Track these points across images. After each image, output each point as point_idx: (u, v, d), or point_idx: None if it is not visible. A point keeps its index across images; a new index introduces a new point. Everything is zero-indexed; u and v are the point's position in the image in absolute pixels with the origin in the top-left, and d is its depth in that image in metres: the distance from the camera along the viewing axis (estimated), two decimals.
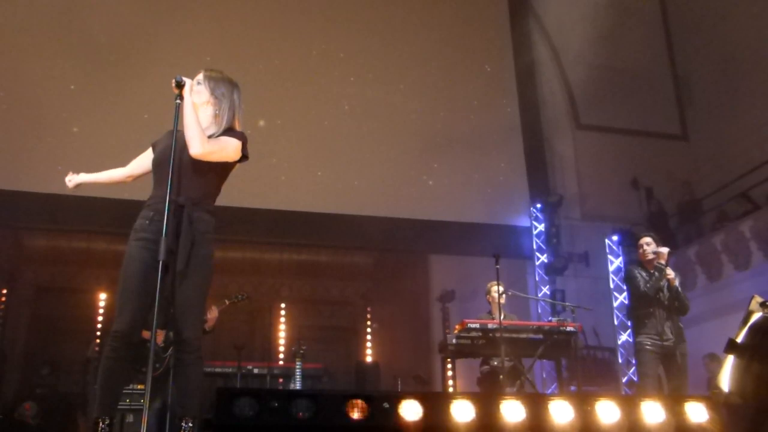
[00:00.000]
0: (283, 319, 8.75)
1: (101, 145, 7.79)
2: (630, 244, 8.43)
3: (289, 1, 9.54)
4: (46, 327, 8.67)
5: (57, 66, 8.54)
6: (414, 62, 9.60)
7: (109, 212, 7.68)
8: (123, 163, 3.83)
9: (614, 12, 10.31)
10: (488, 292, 6.79)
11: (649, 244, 5.69)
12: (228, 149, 3.53)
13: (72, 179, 3.95)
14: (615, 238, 8.92)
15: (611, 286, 8.80)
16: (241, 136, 3.61)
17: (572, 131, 10.33)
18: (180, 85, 3.48)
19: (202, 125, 3.51)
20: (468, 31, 9.95)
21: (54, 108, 8.41)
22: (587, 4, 10.19)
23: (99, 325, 7.82)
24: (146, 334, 5.32)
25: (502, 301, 6.34)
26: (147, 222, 3.41)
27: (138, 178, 3.77)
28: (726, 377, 3.40)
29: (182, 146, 3.45)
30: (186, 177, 3.46)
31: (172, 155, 3.33)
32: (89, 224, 8.26)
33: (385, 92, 9.32)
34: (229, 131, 3.60)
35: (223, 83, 3.69)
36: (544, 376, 8.46)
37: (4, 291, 8.04)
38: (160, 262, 3.17)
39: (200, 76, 3.66)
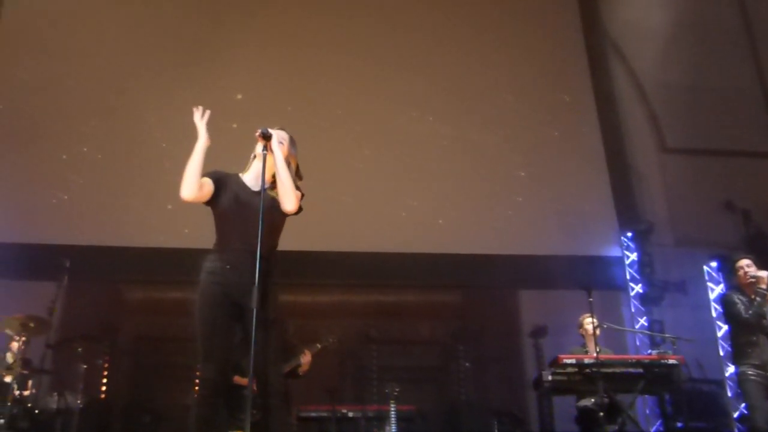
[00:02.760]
0: (373, 361, 8.74)
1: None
2: (730, 270, 8.06)
3: (363, 46, 9.72)
4: (146, 376, 8.93)
5: (148, 125, 8.98)
6: (490, 97, 9.59)
7: (200, 262, 7.92)
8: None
9: (694, 30, 10.06)
10: (580, 326, 6.62)
11: (749, 266, 5.41)
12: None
13: (198, 119, 3.87)
14: (714, 264, 8.55)
15: (713, 314, 8.41)
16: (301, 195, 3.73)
17: (658, 155, 10.03)
18: (266, 137, 3.59)
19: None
20: (543, 62, 9.87)
21: (148, 163, 8.82)
22: (664, 25, 10.00)
23: (198, 373, 7.99)
24: (238, 379, 5.43)
25: (597, 332, 6.15)
26: (228, 267, 3.46)
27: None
28: None
29: (258, 195, 3.55)
30: (266, 227, 3.51)
31: (261, 208, 3.42)
32: (183, 275, 8.53)
33: (462, 129, 9.33)
34: None
35: (294, 143, 3.83)
36: (647, 412, 8.11)
37: (107, 342, 8.35)
38: (254, 311, 3.23)
39: (284, 135, 3.77)
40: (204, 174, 3.68)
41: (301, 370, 6.23)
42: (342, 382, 8.98)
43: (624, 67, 10.33)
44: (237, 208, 3.59)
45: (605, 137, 9.72)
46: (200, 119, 3.81)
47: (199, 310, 3.47)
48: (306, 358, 6.19)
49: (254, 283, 3.38)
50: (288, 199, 3.54)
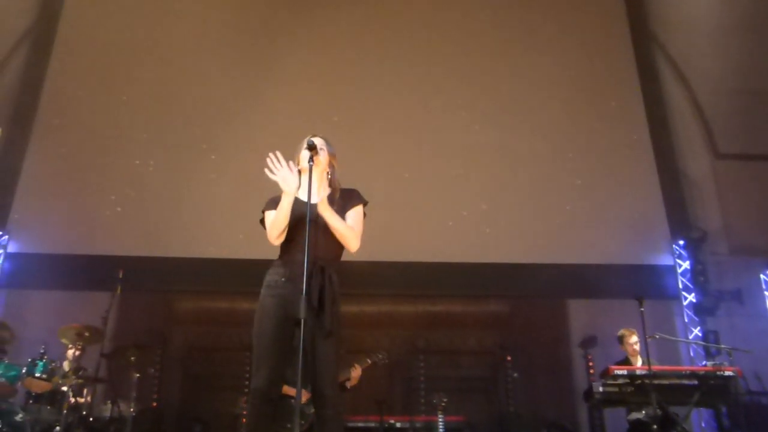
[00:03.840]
0: (422, 371, 8.72)
1: (241, 208, 8.21)
2: None
3: (409, 55, 9.74)
4: (196, 385, 9.07)
5: (196, 138, 9.15)
6: (537, 105, 9.51)
7: (249, 273, 7.99)
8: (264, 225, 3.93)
9: (747, 31, 9.81)
10: (621, 341, 6.52)
11: None
12: (362, 225, 3.78)
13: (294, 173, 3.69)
14: None
15: None
16: (365, 203, 3.80)
17: (711, 161, 9.78)
18: (312, 147, 3.63)
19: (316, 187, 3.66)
20: (590, 69, 9.76)
21: (197, 175, 8.98)
22: (714, 28, 9.78)
23: (246, 382, 8.10)
24: (287, 389, 5.47)
25: (637, 347, 6.05)
26: (283, 280, 3.51)
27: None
28: None
29: (313, 209, 3.58)
30: (324, 238, 3.58)
31: (308, 219, 3.44)
32: (231, 285, 8.66)
33: (509, 137, 9.27)
34: (353, 199, 3.79)
35: (329, 142, 3.87)
36: (703, 425, 7.90)
37: (159, 352, 8.50)
38: (302, 321, 3.25)
39: (321, 142, 3.79)
40: (270, 208, 3.76)
41: (350, 384, 6.23)
42: (390, 393, 8.98)
43: (674, 71, 10.13)
44: (296, 223, 3.61)
45: (655, 143, 9.53)
46: (292, 170, 3.66)
47: (256, 322, 3.55)
48: (356, 373, 6.19)
49: (318, 294, 3.47)
50: (351, 243, 3.68)
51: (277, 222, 3.63)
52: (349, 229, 3.67)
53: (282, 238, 3.67)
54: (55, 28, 9.87)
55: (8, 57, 9.67)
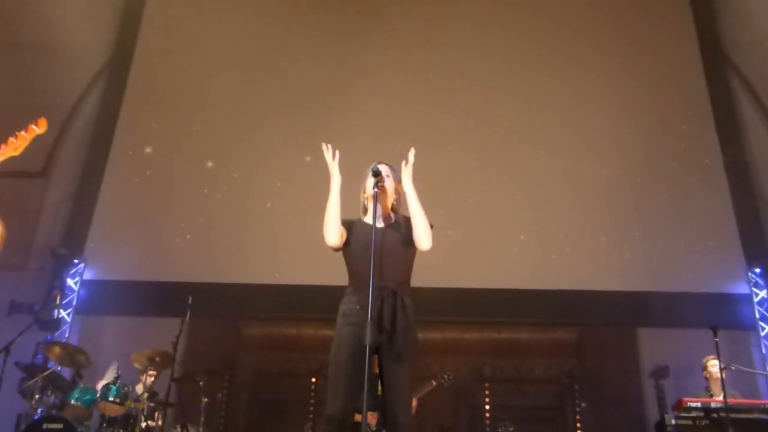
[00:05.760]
0: (487, 399, 8.61)
1: (306, 235, 8.32)
2: None
3: (475, 80, 9.75)
4: (263, 410, 9.17)
5: (261, 166, 9.35)
6: (603, 129, 9.36)
7: (315, 299, 8.09)
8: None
9: None
10: (705, 368, 6.31)
11: None
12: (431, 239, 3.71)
13: (330, 159, 3.89)
14: None
15: None
16: (431, 225, 3.77)
17: None
18: (377, 174, 3.67)
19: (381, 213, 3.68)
20: (660, 93, 9.55)
21: (262, 203, 9.17)
22: None
23: (312, 408, 8.15)
24: (358, 417, 5.47)
25: (723, 376, 5.81)
26: (358, 307, 3.53)
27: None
28: None
29: (383, 233, 3.60)
30: (392, 263, 3.59)
31: (373, 244, 3.47)
32: (298, 311, 8.76)
33: (575, 162, 9.14)
34: None
35: (395, 168, 3.89)
36: None
37: (227, 377, 8.64)
38: (367, 347, 3.26)
39: (386, 169, 3.82)
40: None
41: None
42: (455, 421, 8.89)
43: (747, 92, 9.82)
44: (365, 249, 3.62)
45: (729, 167, 9.23)
46: (332, 159, 3.87)
47: (333, 350, 3.58)
48: (413, 403, 6.14)
49: (391, 319, 3.46)
50: (424, 238, 3.63)
51: (327, 216, 3.70)
52: (425, 221, 3.65)
53: (337, 239, 3.70)
54: (129, 64, 10.28)
55: (86, 91, 10.12)
